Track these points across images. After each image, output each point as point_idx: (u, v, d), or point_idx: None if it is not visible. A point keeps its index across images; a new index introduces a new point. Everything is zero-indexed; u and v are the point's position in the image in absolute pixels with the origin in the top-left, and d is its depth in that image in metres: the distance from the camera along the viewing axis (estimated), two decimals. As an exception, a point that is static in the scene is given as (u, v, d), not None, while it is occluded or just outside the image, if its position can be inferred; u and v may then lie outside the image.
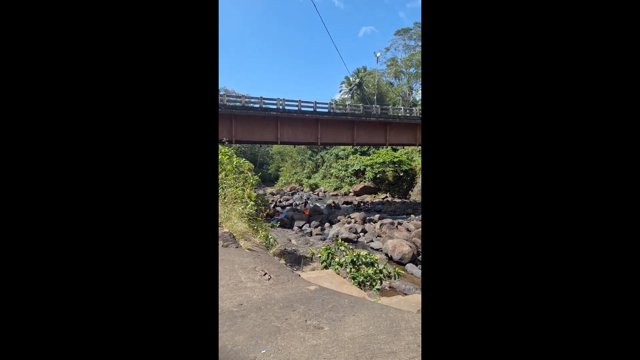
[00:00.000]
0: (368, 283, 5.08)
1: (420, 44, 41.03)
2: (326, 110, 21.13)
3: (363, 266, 5.43)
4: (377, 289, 5.07)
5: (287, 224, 15.51)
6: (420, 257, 9.69)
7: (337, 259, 5.70)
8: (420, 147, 26.30)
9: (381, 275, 5.27)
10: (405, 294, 7.52)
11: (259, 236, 5.29)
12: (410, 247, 9.81)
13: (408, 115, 24.14)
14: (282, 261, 4.90)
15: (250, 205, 5.65)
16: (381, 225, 13.75)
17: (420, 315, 2.38)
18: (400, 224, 14.12)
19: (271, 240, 5.59)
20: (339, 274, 5.34)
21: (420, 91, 43.24)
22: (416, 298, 3.19)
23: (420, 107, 30.26)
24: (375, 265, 5.47)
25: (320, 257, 5.91)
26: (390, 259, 9.81)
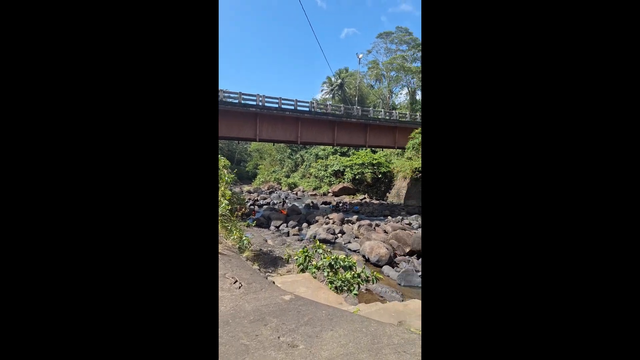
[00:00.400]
0: (346, 288, 4.92)
1: (401, 48, 41.82)
2: (307, 109, 20.88)
3: (341, 270, 5.26)
4: (355, 294, 4.92)
5: (263, 223, 15.13)
6: (396, 260, 9.71)
7: (314, 262, 5.50)
8: (398, 149, 26.71)
9: (359, 279, 5.13)
10: (382, 297, 7.46)
11: (232, 237, 4.98)
12: (387, 249, 9.80)
13: (388, 118, 24.39)
14: (256, 266, 4.63)
15: (224, 205, 5.32)
16: (359, 226, 13.71)
17: (402, 328, 2.22)
18: (377, 225, 14.14)
19: (245, 242, 5.29)
20: (315, 278, 5.14)
21: (399, 95, 44.07)
22: (396, 306, 3.04)
23: (399, 110, 30.77)
24: (354, 269, 5.33)
25: (297, 259, 5.68)
26: (367, 260, 9.75)
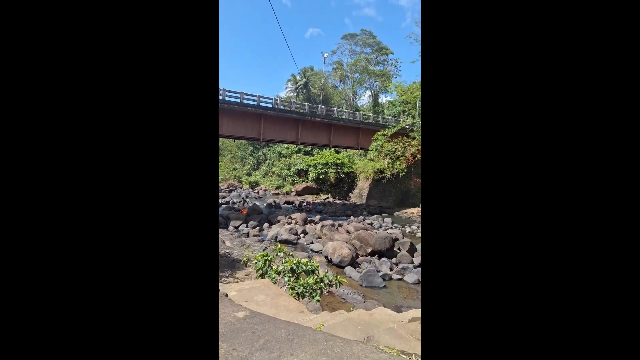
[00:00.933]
0: (308, 294, 4.65)
1: (365, 50, 42.69)
2: (270, 105, 20.27)
3: (303, 274, 4.98)
4: (317, 300, 4.67)
5: (221, 223, 14.37)
6: (358, 260, 9.68)
7: (274, 267, 5.16)
8: (361, 150, 27.14)
9: (322, 284, 4.89)
10: (344, 300, 7.34)
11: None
12: (350, 249, 9.74)
13: (351, 119, 24.62)
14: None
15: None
16: (322, 226, 13.56)
17: (370, 346, 2.00)
18: (340, 225, 14.12)
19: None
20: (275, 284, 4.81)
21: (362, 97, 44.99)
22: (362, 316, 2.83)
23: (362, 112, 31.32)
24: (316, 273, 5.07)
25: (255, 264, 5.29)
26: (329, 261, 9.61)
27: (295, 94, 43.28)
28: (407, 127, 22.66)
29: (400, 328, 2.31)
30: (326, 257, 9.85)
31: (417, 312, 2.87)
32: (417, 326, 2.32)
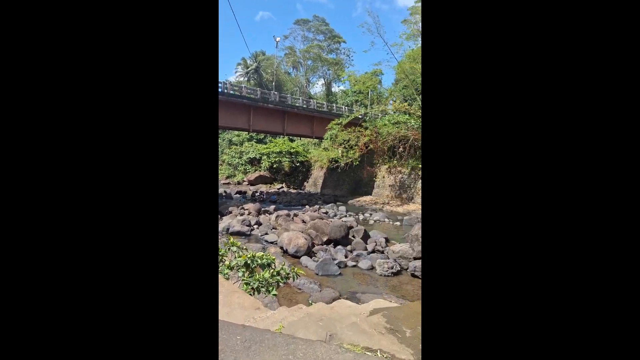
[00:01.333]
0: (264, 289, 4.45)
1: (318, 37, 42.24)
2: (219, 89, 19.04)
3: (258, 268, 4.75)
4: (274, 295, 4.50)
5: (167, 217, 13.28)
6: (314, 249, 9.70)
7: (227, 262, 4.84)
8: (316, 139, 27.12)
9: (278, 277, 4.71)
10: (300, 290, 7.29)
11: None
12: (306, 239, 9.69)
13: (305, 106, 24.33)
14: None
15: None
16: (277, 217, 13.31)
17: (334, 346, 1.89)
18: (296, 215, 14.00)
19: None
20: (228, 280, 4.53)
21: (316, 85, 44.74)
22: (322, 311, 2.74)
23: (316, 100, 31.17)
24: (272, 266, 4.88)
25: (206, 260, 4.91)
26: (285, 252, 9.48)
27: (246, 78, 41.40)
28: (360, 116, 23.10)
29: (362, 322, 2.25)
30: (282, 248, 9.69)
31: (377, 303, 2.86)
32: (380, 319, 2.29)
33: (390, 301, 5.14)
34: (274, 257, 5.16)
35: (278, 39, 35.07)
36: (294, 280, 5.26)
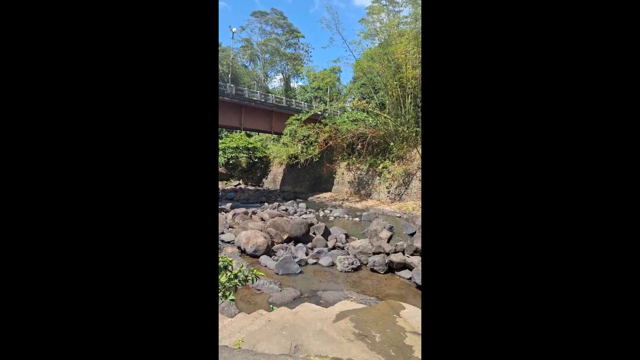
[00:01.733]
0: (221, 293, 4.12)
1: (276, 31, 41.35)
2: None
3: (214, 273, 4.39)
4: (232, 300, 4.19)
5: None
6: (274, 248, 9.42)
7: (178, 267, 4.40)
8: (274, 135, 26.54)
9: (236, 281, 4.41)
10: (259, 291, 6.99)
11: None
12: (265, 237, 9.37)
13: (264, 101, 23.64)
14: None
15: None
16: (234, 215, 12.72)
17: (301, 358, 1.72)
18: (254, 213, 13.52)
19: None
20: (180, 287, 4.11)
21: (274, 80, 43.84)
22: (285, 317, 2.55)
23: (275, 95, 30.49)
24: (229, 269, 4.55)
25: (153, 266, 4.42)
26: (243, 252, 9.08)
27: (200, 70, 39.07)
28: (319, 113, 23.05)
29: (329, 328, 2.11)
30: (239, 248, 9.27)
31: (344, 305, 2.74)
32: (347, 324, 2.16)
33: (352, 298, 5.10)
34: (231, 259, 4.82)
35: (234, 29, 33.55)
36: (253, 282, 4.99)
